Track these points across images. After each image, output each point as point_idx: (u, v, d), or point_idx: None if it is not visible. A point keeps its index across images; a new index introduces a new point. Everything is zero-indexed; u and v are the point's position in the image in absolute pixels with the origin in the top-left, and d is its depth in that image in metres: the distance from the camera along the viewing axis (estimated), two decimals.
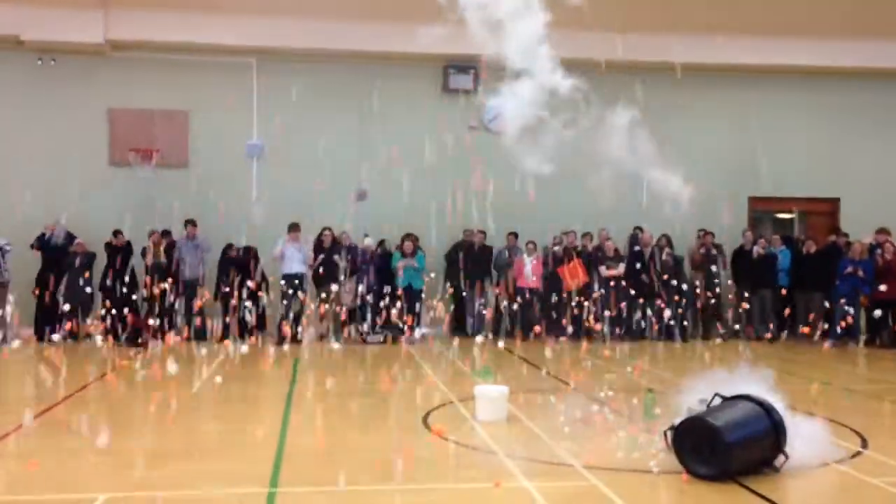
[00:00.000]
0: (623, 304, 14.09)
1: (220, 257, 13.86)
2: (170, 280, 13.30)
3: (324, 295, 13.49)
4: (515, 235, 14.66)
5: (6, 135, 14.35)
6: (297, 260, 13.61)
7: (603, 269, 14.07)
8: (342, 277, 13.56)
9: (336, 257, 13.70)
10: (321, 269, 13.73)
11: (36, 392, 8.66)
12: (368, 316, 13.87)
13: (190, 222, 13.87)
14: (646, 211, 15.55)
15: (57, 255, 13.52)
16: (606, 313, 14.31)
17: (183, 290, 13.64)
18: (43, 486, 5.33)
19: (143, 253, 13.70)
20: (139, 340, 12.56)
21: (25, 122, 14.43)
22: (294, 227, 13.64)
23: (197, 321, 13.59)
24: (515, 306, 14.31)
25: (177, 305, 13.72)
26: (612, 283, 14.10)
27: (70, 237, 13.69)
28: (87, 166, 14.48)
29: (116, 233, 13.76)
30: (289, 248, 13.60)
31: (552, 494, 5.19)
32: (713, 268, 14.41)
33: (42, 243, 13.60)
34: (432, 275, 14.32)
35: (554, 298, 14.10)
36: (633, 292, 14.15)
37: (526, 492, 5.28)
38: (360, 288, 13.89)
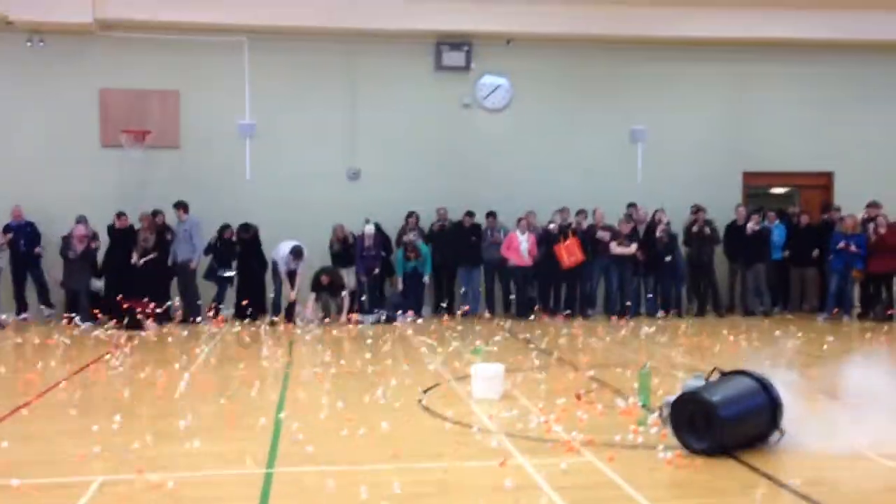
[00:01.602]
0: (622, 282, 14.11)
1: (216, 237, 13.79)
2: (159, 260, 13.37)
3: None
4: (494, 215, 14.52)
5: None
6: (292, 265, 13.48)
7: (614, 246, 13.97)
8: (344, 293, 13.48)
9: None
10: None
11: (33, 375, 8.65)
12: (365, 297, 13.85)
13: (180, 205, 13.77)
14: (641, 185, 15.58)
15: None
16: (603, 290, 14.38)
17: (176, 272, 13.64)
18: (40, 470, 5.33)
19: (135, 237, 13.61)
20: (136, 323, 12.53)
21: (16, 104, 14.29)
22: (298, 253, 13.37)
23: (192, 303, 13.60)
24: (506, 285, 14.32)
25: (171, 287, 13.74)
26: (613, 260, 14.04)
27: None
28: (78, 148, 14.38)
29: (120, 215, 13.64)
30: (291, 263, 13.42)
31: (548, 471, 5.22)
32: (705, 243, 14.38)
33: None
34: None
35: (549, 276, 14.08)
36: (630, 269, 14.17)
37: (521, 468, 5.31)
38: (362, 278, 13.81)
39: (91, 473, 5.21)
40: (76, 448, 5.80)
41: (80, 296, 13.27)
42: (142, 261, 13.37)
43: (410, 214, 14.38)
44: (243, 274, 13.78)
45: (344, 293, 13.44)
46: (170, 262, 13.67)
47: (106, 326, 11.95)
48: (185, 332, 11.99)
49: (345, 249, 13.95)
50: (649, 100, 15.73)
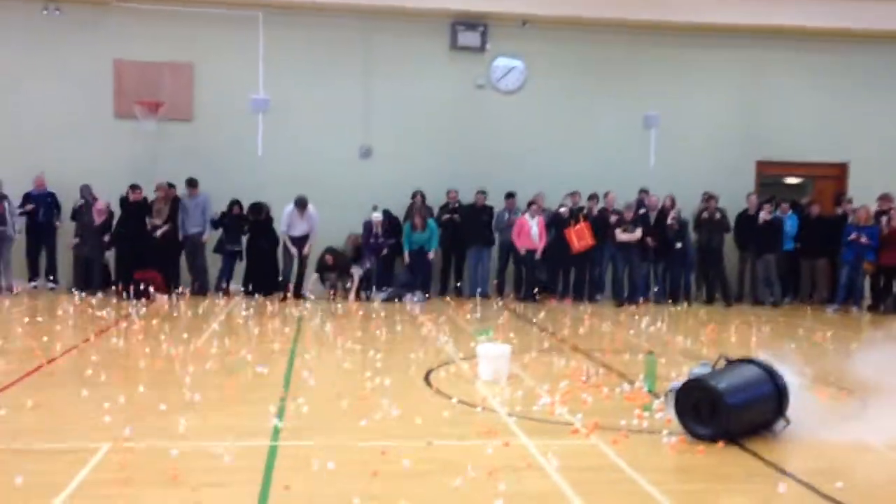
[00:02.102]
0: (630, 268, 14.06)
1: (226, 211, 13.80)
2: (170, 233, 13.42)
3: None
4: (513, 196, 14.49)
5: (11, 86, 14.22)
6: (300, 226, 13.48)
7: (619, 233, 13.89)
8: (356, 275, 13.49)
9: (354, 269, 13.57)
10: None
11: (41, 342, 8.71)
12: (374, 277, 13.84)
13: (190, 182, 13.75)
14: (653, 172, 15.50)
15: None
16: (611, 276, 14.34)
17: (185, 246, 13.68)
18: (47, 436, 5.37)
19: (151, 207, 13.65)
20: (148, 294, 12.60)
21: (30, 73, 14.30)
22: (301, 203, 13.41)
23: (201, 276, 13.65)
24: (518, 267, 14.28)
25: (181, 260, 13.79)
26: (622, 246, 13.94)
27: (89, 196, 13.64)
28: (92, 118, 14.39)
29: (134, 187, 13.61)
30: (295, 219, 13.43)
31: (552, 452, 5.23)
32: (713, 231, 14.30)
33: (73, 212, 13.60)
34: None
35: (559, 260, 14.05)
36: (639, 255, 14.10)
37: (525, 449, 5.32)
38: (368, 265, 13.74)
39: (98, 440, 5.25)
40: (83, 415, 5.84)
41: (93, 264, 13.36)
42: (158, 232, 13.40)
43: (415, 194, 14.27)
44: (253, 252, 13.76)
45: (353, 271, 13.46)
46: (180, 236, 13.71)
47: (115, 298, 12.00)
48: (194, 306, 12.04)
49: (357, 256, 13.87)
50: (664, 85, 15.62)
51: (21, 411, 5.98)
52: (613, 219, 14.01)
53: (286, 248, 13.54)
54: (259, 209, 13.75)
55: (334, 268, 13.48)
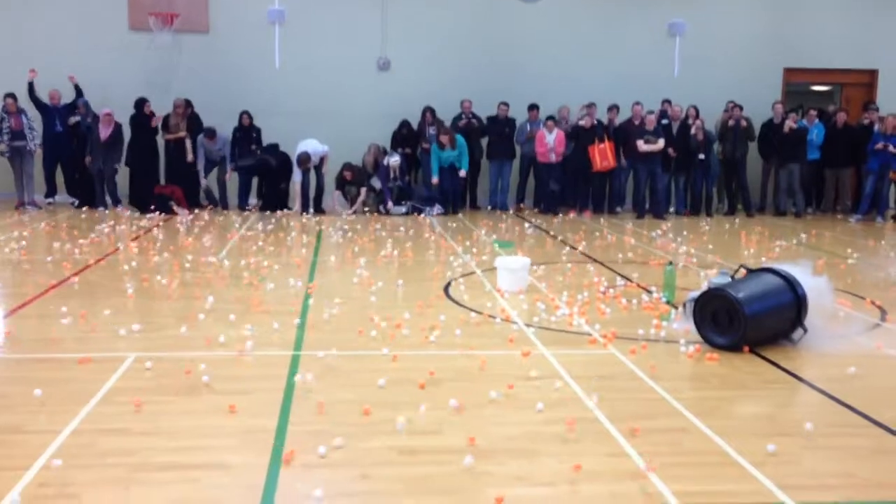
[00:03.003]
0: (652, 179, 13.87)
1: (237, 126, 13.71)
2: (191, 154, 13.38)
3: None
4: (536, 108, 14.22)
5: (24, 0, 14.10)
6: (312, 145, 13.33)
7: (641, 144, 13.58)
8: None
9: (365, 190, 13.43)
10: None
11: (66, 256, 8.84)
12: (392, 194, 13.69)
13: (209, 132, 13.42)
14: (677, 82, 15.21)
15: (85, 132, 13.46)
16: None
17: (204, 166, 13.69)
18: (75, 346, 5.50)
19: (166, 123, 13.58)
20: (167, 209, 12.69)
21: None
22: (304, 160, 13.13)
23: (221, 192, 13.72)
24: (538, 180, 14.16)
25: (201, 178, 13.75)
26: (644, 157, 13.65)
27: (86, 109, 13.52)
28: (107, 31, 14.25)
29: (142, 102, 13.42)
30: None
31: (570, 362, 5.29)
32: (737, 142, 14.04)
33: (74, 126, 13.50)
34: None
35: (579, 172, 13.91)
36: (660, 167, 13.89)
37: (543, 359, 5.39)
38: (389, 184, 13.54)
39: (124, 350, 5.37)
40: (110, 325, 5.97)
41: (106, 180, 13.36)
42: (173, 137, 13.31)
43: (425, 111, 13.87)
44: (263, 170, 13.51)
45: (363, 188, 13.37)
46: (198, 165, 13.61)
47: (135, 213, 12.08)
48: (215, 220, 12.11)
49: (377, 167, 13.59)
50: None
51: (47, 320, 6.11)
52: (635, 128, 13.76)
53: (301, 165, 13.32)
54: (274, 151, 13.40)
55: (353, 182, 13.46)
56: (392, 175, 13.36)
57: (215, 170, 13.76)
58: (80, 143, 13.46)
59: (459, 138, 13.53)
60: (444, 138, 13.35)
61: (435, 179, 13.57)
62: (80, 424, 4.09)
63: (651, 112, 13.74)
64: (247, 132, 13.75)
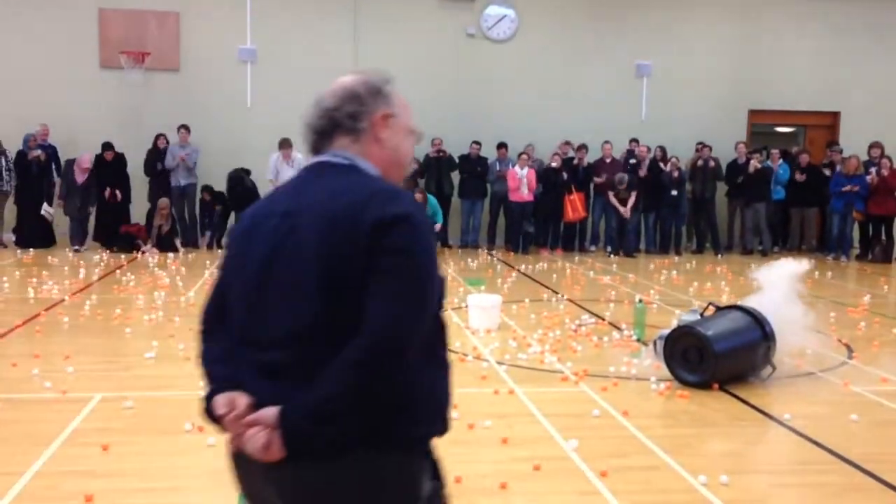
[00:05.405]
0: (622, 218, 14.00)
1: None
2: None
3: None
4: (505, 146, 14.32)
5: None
6: (288, 172, 13.31)
7: (611, 196, 13.75)
8: None
9: None
10: None
11: (32, 296, 8.71)
12: None
13: (183, 127, 13.58)
14: (644, 122, 15.43)
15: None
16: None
17: (178, 199, 13.58)
18: (42, 387, 5.40)
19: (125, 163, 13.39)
20: (134, 247, 12.57)
21: (14, 22, 14.06)
22: (285, 144, 13.22)
23: (189, 228, 13.62)
24: (509, 219, 14.22)
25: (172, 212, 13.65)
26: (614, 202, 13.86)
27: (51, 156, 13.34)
28: (77, 68, 14.19)
29: (106, 147, 13.24)
30: (282, 166, 13.26)
31: (541, 399, 5.28)
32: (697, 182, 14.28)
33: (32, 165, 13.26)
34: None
35: (550, 212, 13.99)
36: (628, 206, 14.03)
37: (515, 397, 5.37)
38: None
39: (90, 391, 5.28)
40: (77, 365, 5.86)
41: (74, 223, 13.12)
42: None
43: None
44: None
45: None
46: (172, 184, 13.52)
47: (100, 253, 11.95)
48: (184, 258, 12.01)
49: None
50: (655, 34, 15.47)
51: (15, 361, 5.99)
52: (601, 178, 13.96)
53: None
54: (237, 181, 13.27)
55: None
56: None
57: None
58: (37, 179, 13.15)
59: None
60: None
61: None
62: (42, 467, 4.00)
63: (621, 178, 13.75)
64: (211, 206, 13.59)
